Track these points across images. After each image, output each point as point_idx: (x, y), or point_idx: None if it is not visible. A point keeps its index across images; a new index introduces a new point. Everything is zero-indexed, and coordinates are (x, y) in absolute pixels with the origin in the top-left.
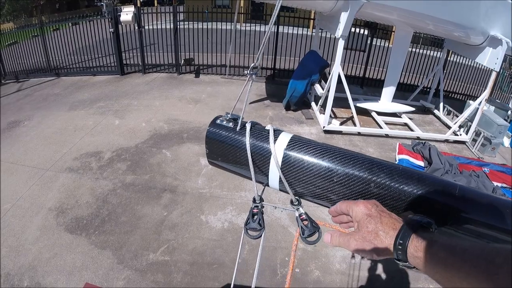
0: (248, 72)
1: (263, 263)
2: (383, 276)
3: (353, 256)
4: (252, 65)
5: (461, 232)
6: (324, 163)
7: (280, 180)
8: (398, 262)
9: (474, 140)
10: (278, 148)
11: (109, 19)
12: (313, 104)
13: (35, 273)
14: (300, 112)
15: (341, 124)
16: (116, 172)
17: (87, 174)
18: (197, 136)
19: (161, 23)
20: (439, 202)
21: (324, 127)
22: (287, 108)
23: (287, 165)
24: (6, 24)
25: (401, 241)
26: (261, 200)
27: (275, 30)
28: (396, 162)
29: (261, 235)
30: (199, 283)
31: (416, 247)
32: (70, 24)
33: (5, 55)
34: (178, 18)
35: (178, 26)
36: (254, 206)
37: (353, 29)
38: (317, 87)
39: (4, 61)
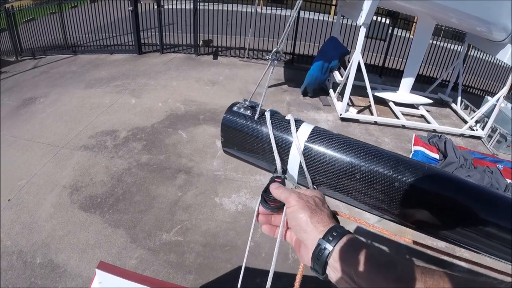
0: (270, 57)
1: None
2: None
3: None
4: (275, 49)
5: (477, 234)
6: (347, 158)
7: (300, 173)
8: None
9: (490, 136)
10: (299, 140)
11: None
12: (331, 91)
13: (48, 250)
14: (317, 99)
15: (358, 112)
16: (131, 151)
17: (102, 152)
18: (214, 118)
19: (181, 3)
20: (464, 205)
21: (341, 114)
22: (305, 94)
23: (307, 158)
24: (24, 0)
25: (338, 229)
26: (284, 172)
27: (296, 15)
28: (412, 153)
29: (281, 207)
30: (211, 264)
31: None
32: (89, 2)
33: (22, 32)
34: None
35: (198, 7)
36: (276, 176)
37: (374, 18)
38: (336, 74)
39: (21, 37)
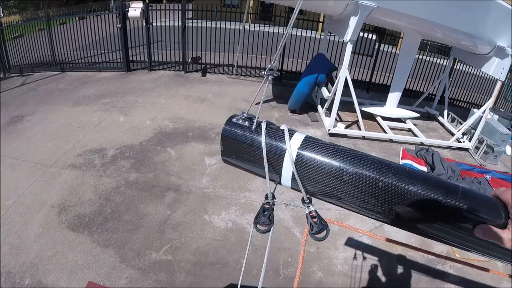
0: (265, 73)
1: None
2: (385, 278)
3: (354, 258)
4: (269, 66)
5: (461, 231)
6: (335, 163)
7: (293, 178)
8: None
9: (477, 148)
10: (292, 147)
11: (117, 14)
12: (319, 107)
13: (36, 271)
14: (306, 115)
15: (346, 127)
16: (119, 169)
17: (90, 171)
18: (202, 135)
19: (169, 20)
20: (442, 202)
21: (329, 130)
22: (292, 110)
23: (300, 164)
24: (12, 17)
25: None
26: (273, 197)
27: (284, 32)
28: None
29: (269, 230)
30: (202, 283)
31: None
32: (77, 19)
33: (10, 48)
34: (186, 16)
35: (187, 24)
36: (266, 202)
37: (361, 34)
38: (324, 90)
39: (9, 54)
